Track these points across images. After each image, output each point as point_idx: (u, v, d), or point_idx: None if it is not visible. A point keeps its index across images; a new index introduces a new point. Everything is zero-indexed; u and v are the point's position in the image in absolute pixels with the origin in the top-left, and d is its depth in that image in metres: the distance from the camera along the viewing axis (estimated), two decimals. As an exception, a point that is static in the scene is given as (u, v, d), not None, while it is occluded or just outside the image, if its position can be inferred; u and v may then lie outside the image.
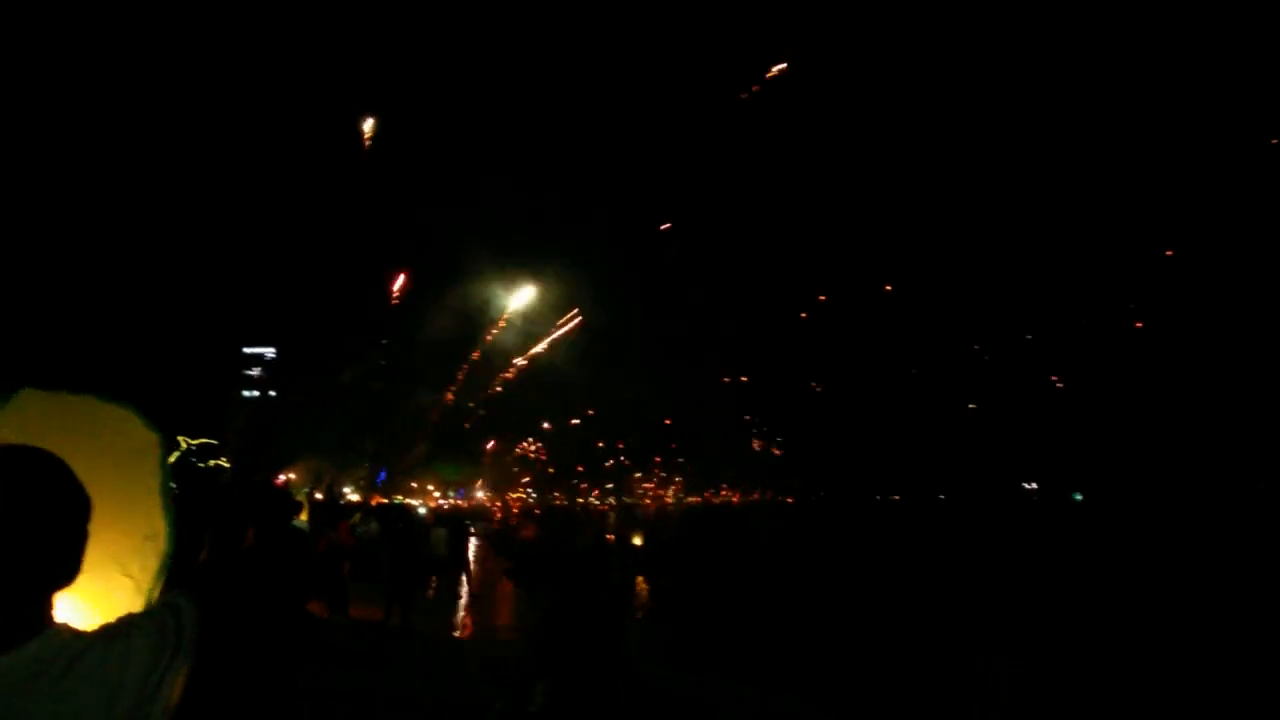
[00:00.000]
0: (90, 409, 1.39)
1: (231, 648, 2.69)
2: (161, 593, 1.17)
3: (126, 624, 1.05)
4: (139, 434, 1.39)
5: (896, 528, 48.64)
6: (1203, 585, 16.30)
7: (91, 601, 1.31)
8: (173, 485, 1.39)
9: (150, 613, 1.09)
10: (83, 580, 1.24)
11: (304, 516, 4.43)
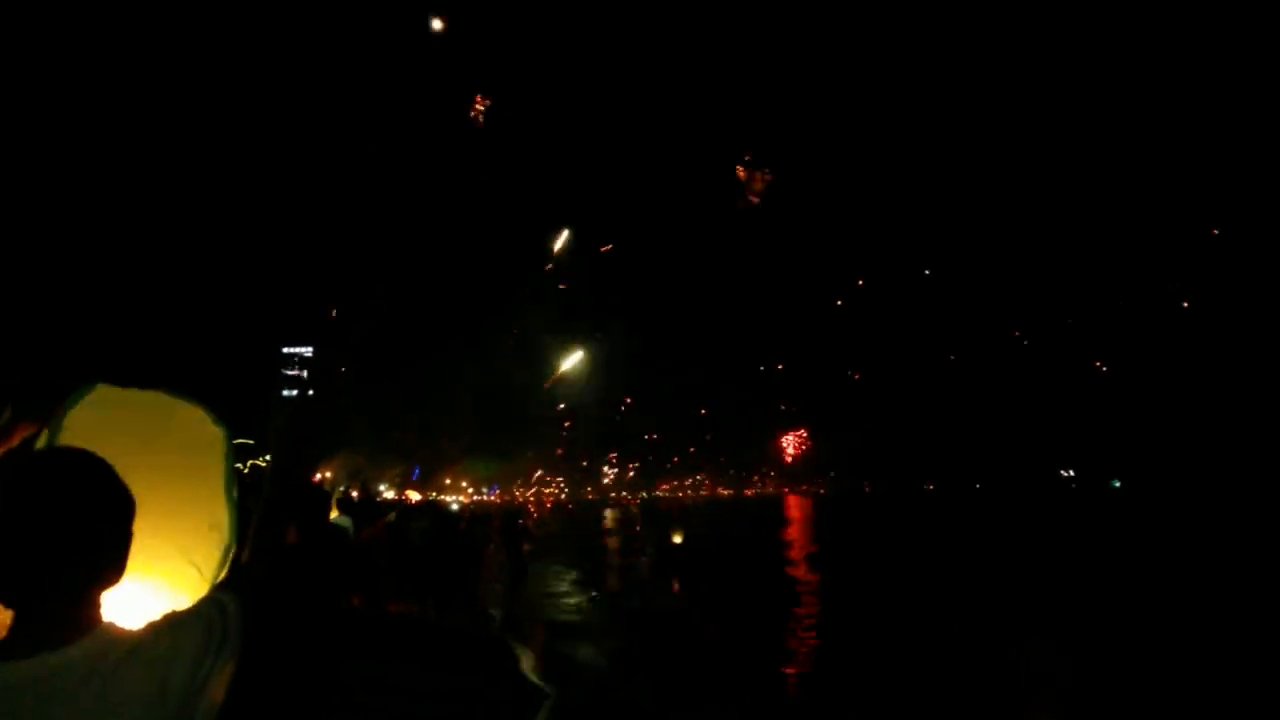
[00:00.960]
0: (160, 404, 1.45)
1: (276, 644, 2.78)
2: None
3: (173, 621, 1.06)
4: (206, 429, 1.45)
5: (933, 517, 47.97)
6: (1242, 575, 15.78)
7: (158, 590, 1.38)
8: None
9: (196, 609, 1.10)
10: (150, 569, 1.35)
11: (335, 514, 4.49)
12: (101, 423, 1.38)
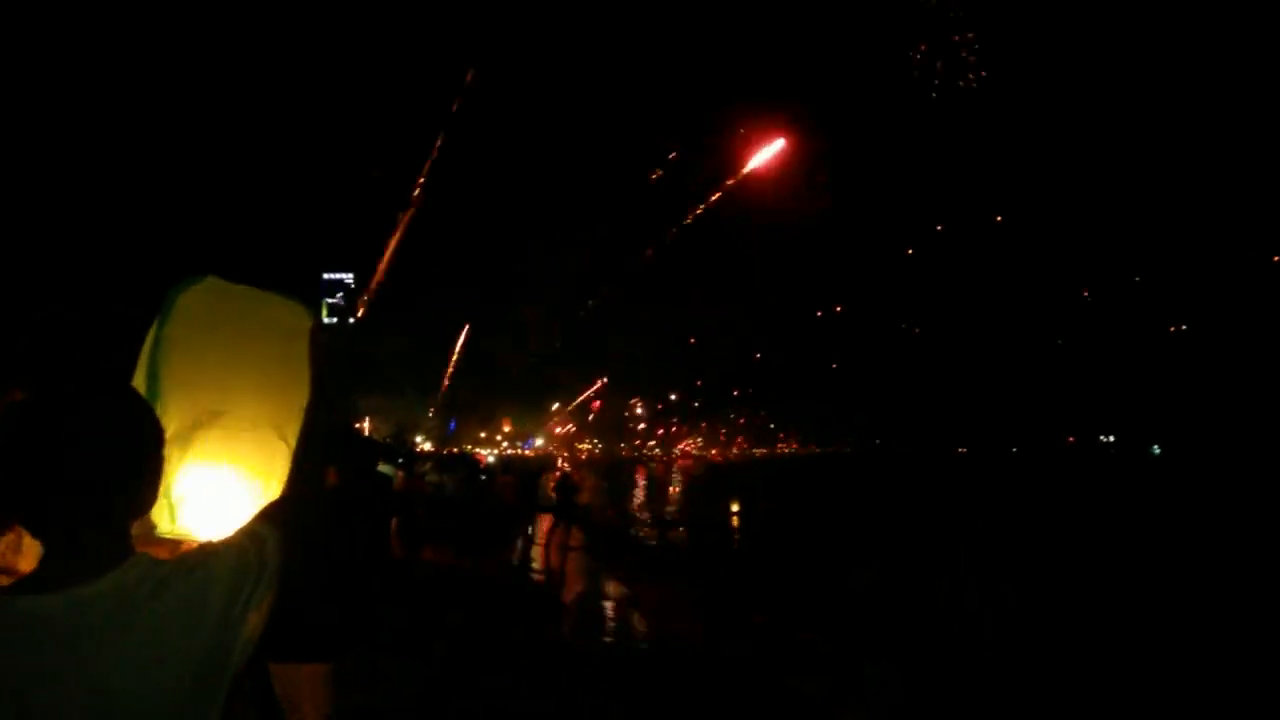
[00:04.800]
0: (260, 297, 1.60)
1: (313, 581, 2.90)
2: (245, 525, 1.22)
3: (208, 552, 1.06)
4: (301, 320, 1.57)
5: (969, 482, 47.60)
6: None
7: (254, 466, 1.50)
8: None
9: (232, 542, 1.09)
10: (248, 447, 1.49)
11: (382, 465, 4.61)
12: (207, 309, 1.54)
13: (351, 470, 3.19)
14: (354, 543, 3.11)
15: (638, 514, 22.51)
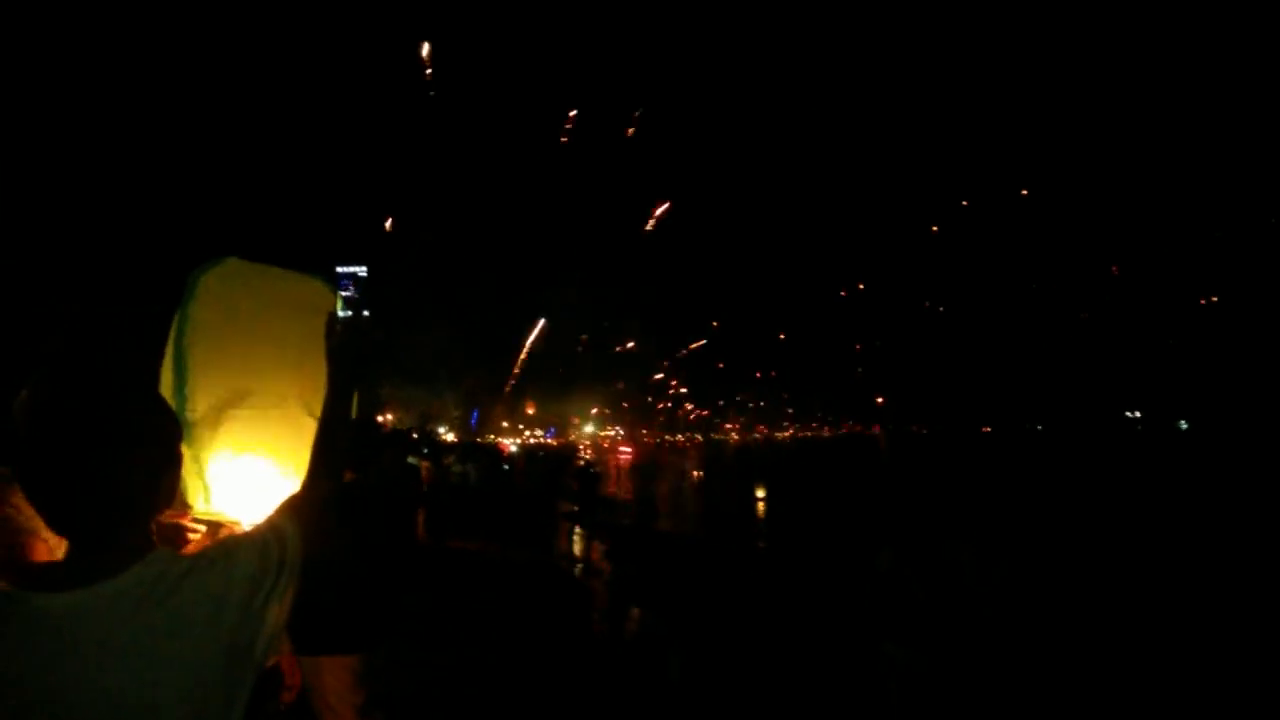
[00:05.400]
0: (283, 276, 1.64)
1: (341, 575, 2.86)
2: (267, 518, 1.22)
3: (228, 547, 1.06)
4: (325, 298, 1.61)
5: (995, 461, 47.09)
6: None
7: (285, 444, 1.52)
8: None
9: (253, 535, 1.09)
10: (278, 425, 1.52)
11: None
12: (229, 289, 1.57)
13: (383, 463, 3.23)
14: (381, 536, 3.14)
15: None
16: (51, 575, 0.96)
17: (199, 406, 1.48)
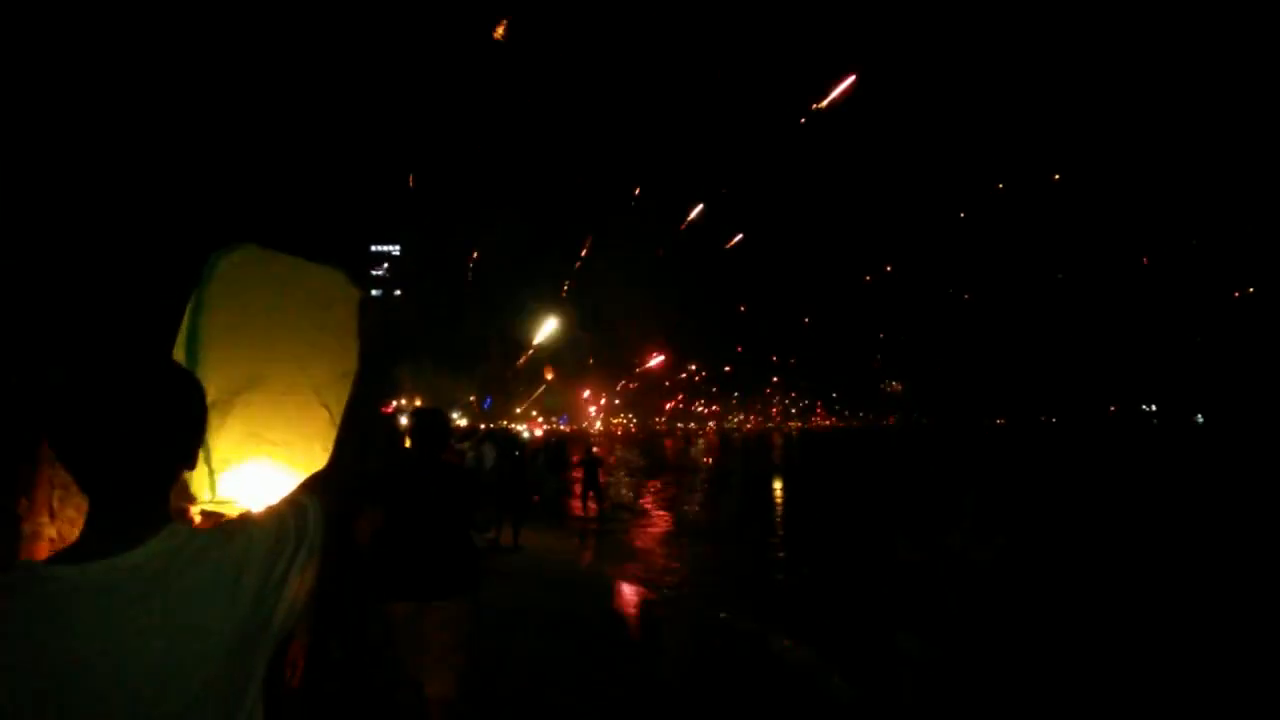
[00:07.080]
0: (302, 266, 1.63)
1: (449, 530, 3.31)
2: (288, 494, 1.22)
3: (248, 521, 1.07)
4: (344, 289, 1.61)
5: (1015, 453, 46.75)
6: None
7: (293, 428, 1.52)
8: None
9: (273, 510, 1.11)
10: (288, 413, 1.51)
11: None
12: (246, 275, 1.56)
13: (420, 451, 3.47)
14: (470, 506, 3.54)
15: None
16: (70, 550, 0.97)
17: (209, 390, 1.49)
